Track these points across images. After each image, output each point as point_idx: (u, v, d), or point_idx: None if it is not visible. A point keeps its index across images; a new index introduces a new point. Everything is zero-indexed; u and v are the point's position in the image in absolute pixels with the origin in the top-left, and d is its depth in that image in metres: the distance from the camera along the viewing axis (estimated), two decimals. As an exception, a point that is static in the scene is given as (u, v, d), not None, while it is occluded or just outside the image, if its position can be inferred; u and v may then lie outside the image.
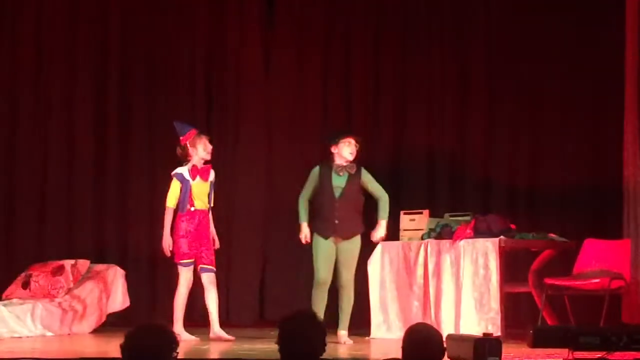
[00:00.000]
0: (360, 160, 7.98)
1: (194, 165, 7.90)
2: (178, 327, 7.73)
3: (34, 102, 9.69)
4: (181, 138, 7.97)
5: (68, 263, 8.90)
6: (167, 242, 7.86)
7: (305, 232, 7.83)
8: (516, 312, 8.50)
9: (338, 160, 7.78)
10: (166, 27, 9.90)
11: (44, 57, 9.74)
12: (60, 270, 8.82)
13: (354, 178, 7.79)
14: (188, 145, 7.93)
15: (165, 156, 9.73)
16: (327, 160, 7.87)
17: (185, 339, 7.65)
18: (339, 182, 7.78)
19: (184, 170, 7.91)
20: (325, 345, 4.44)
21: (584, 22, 9.25)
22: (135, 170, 9.76)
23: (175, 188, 7.88)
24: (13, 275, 9.00)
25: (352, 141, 7.80)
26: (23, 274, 8.91)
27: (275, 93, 9.92)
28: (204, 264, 7.89)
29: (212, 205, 7.99)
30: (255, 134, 9.78)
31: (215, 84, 9.96)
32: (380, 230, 7.87)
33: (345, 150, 7.77)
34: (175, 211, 7.91)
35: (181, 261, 7.88)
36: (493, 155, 9.64)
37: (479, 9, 9.71)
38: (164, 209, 7.92)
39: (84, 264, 8.97)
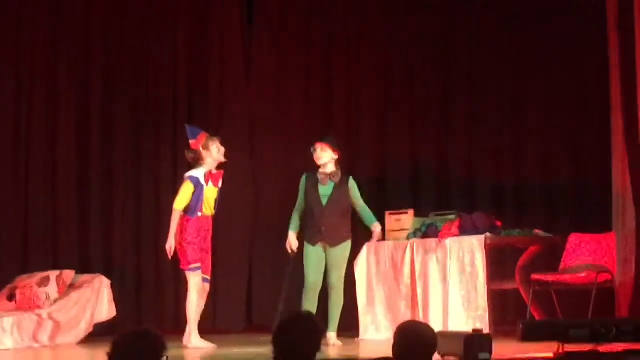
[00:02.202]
0: (344, 162, 8.01)
1: (210, 170, 7.72)
2: (194, 337, 7.60)
3: (14, 113, 9.60)
4: (192, 142, 7.74)
5: (53, 274, 8.84)
6: (170, 245, 7.60)
7: (290, 241, 7.86)
8: (503, 310, 8.51)
9: (321, 169, 7.83)
10: (147, 33, 9.83)
11: (23, 66, 9.66)
12: (45, 281, 8.77)
13: (341, 186, 7.85)
14: (201, 149, 7.70)
15: (149, 165, 9.74)
16: (313, 168, 7.92)
17: (202, 346, 7.55)
18: (325, 190, 7.84)
19: (199, 173, 7.67)
20: (320, 346, 4.44)
21: (565, 24, 9.27)
22: (119, 179, 9.69)
23: (187, 191, 7.62)
24: (-1, 288, 8.96)
25: (316, 147, 7.82)
26: (8, 287, 8.85)
27: (256, 96, 9.89)
28: (203, 273, 7.76)
29: (215, 212, 7.83)
30: (237, 137, 9.71)
31: (197, 89, 9.90)
32: (377, 234, 7.97)
33: (315, 157, 7.83)
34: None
35: (190, 267, 7.65)
36: (477, 154, 9.65)
37: (461, 10, 9.74)
38: (170, 212, 7.69)
39: (69, 274, 8.91)
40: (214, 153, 7.70)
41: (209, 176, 7.70)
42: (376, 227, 7.98)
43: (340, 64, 9.95)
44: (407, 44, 9.84)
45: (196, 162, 7.75)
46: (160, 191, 9.51)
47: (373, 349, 6.82)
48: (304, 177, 7.95)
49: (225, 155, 7.79)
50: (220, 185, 7.80)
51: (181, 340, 7.63)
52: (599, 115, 8.86)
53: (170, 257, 7.71)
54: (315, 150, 7.88)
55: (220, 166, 7.84)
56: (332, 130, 9.22)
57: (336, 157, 7.90)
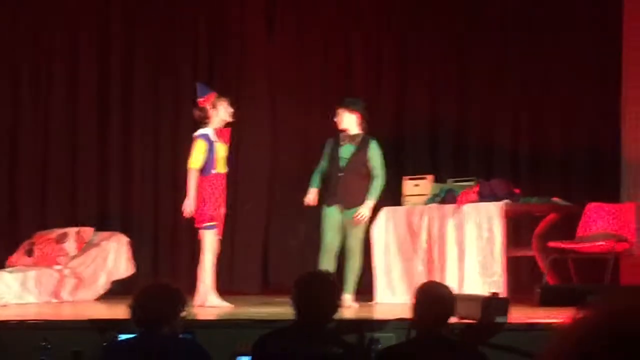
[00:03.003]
0: (366, 126, 8.01)
1: (217, 127, 7.70)
2: (210, 295, 7.61)
3: (35, 70, 9.64)
4: (200, 100, 7.74)
5: (72, 231, 8.90)
6: (191, 206, 7.57)
7: (310, 196, 7.88)
8: (518, 277, 8.52)
9: (344, 132, 7.85)
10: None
11: (44, 21, 9.68)
12: (64, 237, 8.83)
13: (361, 149, 7.82)
14: (208, 107, 7.68)
15: (169, 122, 9.77)
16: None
17: (219, 305, 7.58)
18: (345, 153, 7.85)
19: (208, 131, 7.65)
20: (338, 305, 4.49)
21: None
22: (138, 136, 9.74)
23: (201, 149, 7.58)
24: (17, 243, 9.01)
25: (336, 112, 7.84)
26: (27, 242, 8.91)
27: (277, 57, 9.88)
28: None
29: (227, 169, 7.82)
30: (257, 97, 9.75)
31: (218, 48, 9.91)
32: (364, 210, 7.75)
33: (336, 122, 7.86)
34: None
35: (205, 225, 7.63)
36: (495, 121, 9.65)
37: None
38: (186, 172, 7.65)
39: (87, 231, 8.97)
40: (221, 112, 7.70)
41: (217, 133, 7.70)
42: (362, 208, 7.71)
43: (361, 26, 9.92)
44: (426, 9, 9.82)
45: (202, 120, 7.75)
46: (179, 150, 9.52)
47: (389, 312, 6.84)
48: (329, 140, 7.98)
49: (232, 116, 7.79)
50: (228, 142, 7.80)
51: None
52: (618, 81, 8.87)
53: (188, 216, 7.71)
54: (336, 115, 7.91)
55: (227, 124, 7.84)
56: (352, 91, 9.23)
57: (355, 119, 7.87)
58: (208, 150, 7.62)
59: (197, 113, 7.79)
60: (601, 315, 1.50)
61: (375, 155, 7.84)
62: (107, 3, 9.77)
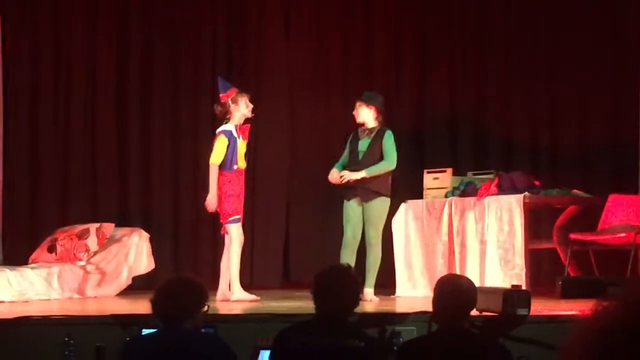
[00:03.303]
0: (383, 120, 8.01)
1: (237, 124, 7.73)
2: (237, 288, 7.65)
3: (55, 67, 9.68)
4: (221, 95, 7.76)
5: (93, 227, 8.94)
6: (214, 201, 7.64)
7: (332, 174, 7.86)
8: (538, 271, 8.51)
9: (363, 126, 7.86)
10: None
11: (62, 21, 9.73)
12: (85, 233, 8.86)
13: (376, 141, 7.83)
14: (229, 103, 7.71)
15: (188, 119, 9.79)
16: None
17: (245, 298, 7.59)
18: (362, 146, 7.86)
19: (231, 127, 7.70)
20: (358, 299, 4.50)
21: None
22: (157, 133, 9.77)
23: (222, 145, 7.64)
24: (39, 239, 9.06)
25: (357, 105, 7.85)
26: (49, 238, 8.96)
27: (296, 52, 9.89)
28: None
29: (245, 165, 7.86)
30: (276, 93, 9.76)
31: (237, 44, 9.93)
32: (351, 174, 7.72)
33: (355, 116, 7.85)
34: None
35: (231, 219, 7.66)
36: (515, 113, 9.63)
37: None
38: (207, 167, 7.71)
39: (108, 227, 9.00)
40: (241, 108, 7.73)
41: (238, 129, 7.73)
42: (354, 173, 7.73)
43: (380, 20, 9.92)
44: (446, 3, 9.81)
45: (223, 115, 7.78)
46: (198, 146, 9.57)
47: (409, 305, 6.84)
48: (350, 133, 8.01)
49: (252, 111, 7.82)
50: (247, 138, 7.83)
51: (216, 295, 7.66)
52: (634, 76, 8.84)
53: (211, 211, 7.76)
54: (354, 109, 7.92)
55: (247, 120, 7.87)
56: (371, 86, 9.22)
57: (372, 112, 7.86)
58: (230, 146, 7.65)
59: (218, 109, 7.83)
60: (622, 307, 1.50)
61: (388, 142, 7.84)
62: (125, 1, 9.79)
